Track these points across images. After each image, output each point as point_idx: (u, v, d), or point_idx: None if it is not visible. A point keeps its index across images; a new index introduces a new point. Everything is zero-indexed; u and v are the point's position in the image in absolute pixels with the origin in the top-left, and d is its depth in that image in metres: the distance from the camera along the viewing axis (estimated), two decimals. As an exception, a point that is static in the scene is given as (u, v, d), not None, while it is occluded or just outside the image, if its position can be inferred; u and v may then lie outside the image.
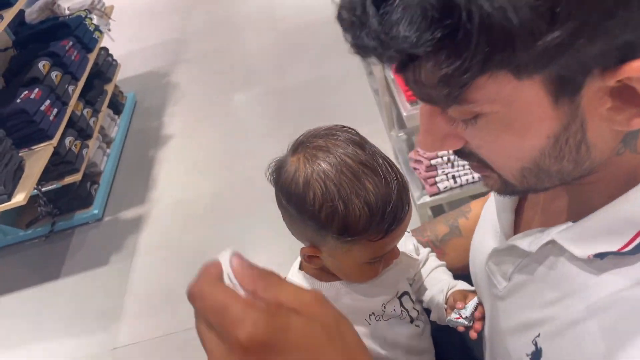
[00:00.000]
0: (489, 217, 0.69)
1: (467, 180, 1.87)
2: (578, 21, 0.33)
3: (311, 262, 0.70)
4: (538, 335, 0.53)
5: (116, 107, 3.19)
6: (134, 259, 2.33)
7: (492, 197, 0.70)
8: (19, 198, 2.04)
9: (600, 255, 0.46)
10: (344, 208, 0.61)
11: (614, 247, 0.45)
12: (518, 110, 0.40)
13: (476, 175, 1.87)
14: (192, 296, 0.43)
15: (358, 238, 0.63)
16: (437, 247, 0.90)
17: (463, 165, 1.87)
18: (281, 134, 2.75)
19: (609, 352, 0.45)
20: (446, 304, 0.81)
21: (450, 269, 0.86)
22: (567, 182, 0.47)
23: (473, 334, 0.74)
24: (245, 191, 2.48)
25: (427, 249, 0.89)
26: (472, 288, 0.81)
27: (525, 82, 0.38)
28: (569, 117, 0.40)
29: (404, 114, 1.81)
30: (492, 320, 0.68)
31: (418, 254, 0.86)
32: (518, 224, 0.62)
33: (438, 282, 0.85)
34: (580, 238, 0.48)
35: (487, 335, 0.72)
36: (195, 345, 1.73)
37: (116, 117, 3.16)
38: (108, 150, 2.92)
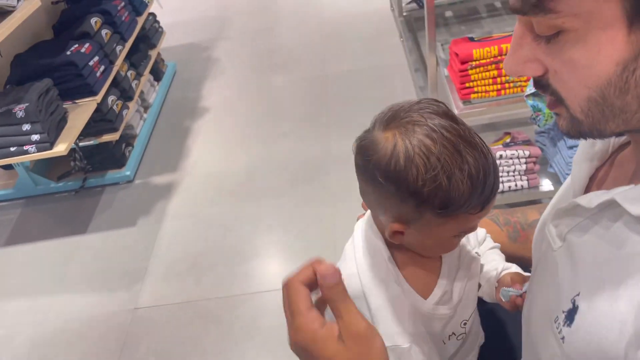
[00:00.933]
0: (561, 192, 0.70)
1: (509, 187, 1.85)
2: None
3: (393, 238, 0.70)
4: (578, 294, 0.53)
5: (157, 73, 3.20)
6: (162, 224, 2.34)
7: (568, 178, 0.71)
8: (60, 148, 2.05)
9: None
10: (448, 183, 0.60)
11: None
12: (595, 29, 0.42)
13: (520, 183, 1.85)
14: (284, 286, 0.60)
15: (459, 212, 0.63)
16: (524, 229, 0.90)
17: (508, 172, 1.85)
18: (317, 121, 2.75)
19: None
20: (497, 282, 0.82)
21: (529, 258, 0.86)
22: (631, 127, 0.48)
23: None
24: (277, 172, 2.48)
25: (484, 230, 0.89)
26: (527, 274, 0.80)
27: (603, 1, 0.40)
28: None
29: (455, 111, 1.79)
30: (534, 285, 0.69)
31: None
32: (589, 189, 0.62)
33: (492, 260, 0.85)
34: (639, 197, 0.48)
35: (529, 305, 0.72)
36: (215, 316, 1.76)
37: (156, 83, 3.17)
38: (145, 115, 2.93)
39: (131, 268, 2.16)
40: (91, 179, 2.58)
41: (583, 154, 0.63)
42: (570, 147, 1.79)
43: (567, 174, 1.78)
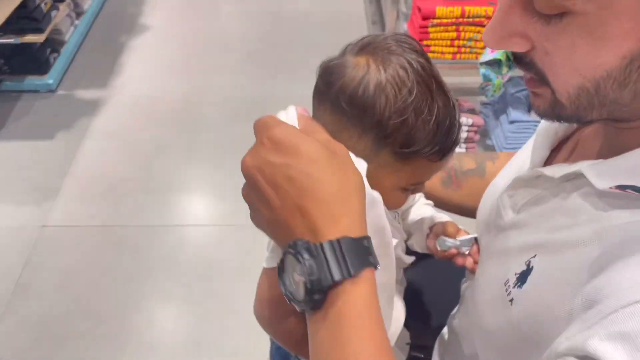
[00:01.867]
0: (516, 161, 0.69)
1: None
2: None
3: None
4: (534, 256, 0.53)
5: (95, -21, 2.92)
6: (83, 141, 2.17)
7: (522, 148, 0.70)
8: (-26, 40, 1.83)
9: (622, 187, 0.46)
10: (415, 120, 0.56)
11: None
12: (609, 17, 0.38)
13: (457, 150, 1.86)
14: (256, 124, 0.52)
15: (419, 155, 0.59)
16: (457, 177, 0.89)
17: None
18: (265, 59, 2.63)
19: (600, 273, 0.44)
20: (430, 230, 0.80)
21: (458, 205, 0.87)
22: (614, 118, 0.46)
23: (463, 261, 0.74)
24: (216, 105, 2.36)
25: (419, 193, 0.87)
26: (462, 228, 0.80)
27: None
28: None
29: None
30: (484, 253, 0.69)
31: None
32: (550, 162, 0.61)
33: (424, 212, 0.84)
34: (606, 172, 0.47)
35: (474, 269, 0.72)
36: (130, 244, 1.66)
37: (93, -11, 2.90)
38: (77, 22, 2.68)
39: (43, 183, 2.00)
40: (7, 82, 2.35)
41: (547, 127, 0.62)
42: (512, 122, 1.82)
43: (505, 148, 1.82)
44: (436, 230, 0.79)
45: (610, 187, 0.46)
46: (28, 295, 1.66)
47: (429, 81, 0.57)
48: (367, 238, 0.47)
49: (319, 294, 0.44)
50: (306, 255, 0.44)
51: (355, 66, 0.58)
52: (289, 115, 0.55)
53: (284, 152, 0.47)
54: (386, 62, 0.57)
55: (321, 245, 0.44)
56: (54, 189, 1.97)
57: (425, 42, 1.74)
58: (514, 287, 0.54)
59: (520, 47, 0.44)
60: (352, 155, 0.53)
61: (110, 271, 1.73)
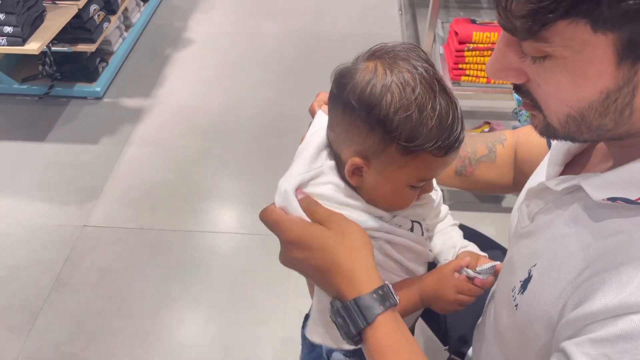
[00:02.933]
0: (537, 174, 0.73)
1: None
2: None
3: (352, 178, 0.69)
4: (534, 265, 0.57)
5: (144, -6, 3.06)
6: (125, 147, 2.27)
7: (543, 161, 0.74)
8: (33, 46, 1.95)
9: (612, 199, 0.50)
10: (418, 115, 0.62)
11: (631, 196, 0.49)
12: (584, 61, 0.44)
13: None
14: (266, 214, 0.68)
15: (423, 150, 0.63)
16: (471, 165, 0.93)
17: (480, 160, 1.87)
18: (300, 77, 2.70)
19: (590, 272, 0.49)
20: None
21: (469, 189, 0.92)
22: (604, 139, 0.52)
23: (482, 284, 0.74)
24: (251, 118, 2.43)
25: (447, 207, 0.88)
26: (484, 254, 0.82)
27: (599, 37, 0.41)
28: (625, 79, 0.43)
29: (443, 91, 1.79)
30: (511, 254, 0.72)
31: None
32: (565, 174, 0.65)
33: (450, 238, 0.85)
34: (601, 185, 0.52)
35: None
36: (164, 247, 1.73)
37: (142, 3, 3.03)
38: (125, 34, 2.81)
39: (86, 185, 2.09)
40: (58, 88, 2.47)
41: (555, 159, 0.65)
42: (544, 148, 1.83)
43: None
44: (458, 261, 0.79)
45: (604, 199, 0.51)
46: (66, 291, 1.74)
47: (431, 82, 0.63)
48: (381, 287, 0.59)
49: (354, 338, 0.59)
50: (337, 316, 0.60)
51: (364, 70, 0.64)
52: (289, 199, 0.67)
53: (301, 248, 0.62)
54: (392, 65, 0.64)
55: (344, 306, 0.59)
56: (96, 191, 2.06)
57: (460, 66, 1.78)
58: (518, 293, 0.58)
59: (516, 79, 0.51)
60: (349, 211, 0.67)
61: (145, 272, 1.79)
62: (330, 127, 0.71)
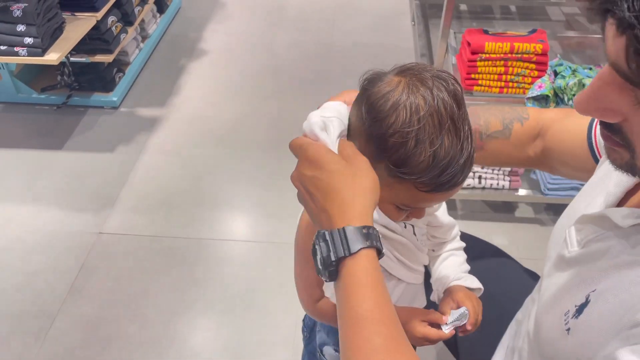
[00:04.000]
0: (598, 187, 0.69)
1: (491, 184, 1.88)
2: None
3: None
4: (594, 290, 0.55)
5: (160, 6, 3.11)
6: (141, 156, 2.30)
7: (595, 177, 0.72)
8: (52, 57, 1.99)
9: None
10: (413, 146, 0.61)
11: None
12: None
13: (502, 183, 1.87)
14: (291, 143, 0.66)
15: (408, 179, 0.63)
16: (482, 139, 0.90)
17: (492, 170, 1.87)
18: (314, 87, 2.73)
19: None
20: (444, 291, 0.86)
21: (479, 162, 0.89)
22: None
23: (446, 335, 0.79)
24: (265, 128, 2.45)
25: (457, 230, 0.89)
26: (477, 285, 0.84)
27: None
28: None
29: (456, 100, 1.80)
30: (547, 282, 0.70)
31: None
32: (624, 203, 0.63)
33: (448, 267, 0.87)
34: None
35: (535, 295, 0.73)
36: (179, 255, 1.74)
37: (158, 15, 3.08)
38: (142, 45, 2.86)
39: (102, 193, 2.13)
40: (76, 97, 2.52)
41: (618, 180, 0.63)
42: (557, 158, 1.82)
43: (550, 184, 1.82)
44: (450, 291, 0.85)
45: None
46: (82, 297, 1.76)
47: (444, 119, 0.61)
48: (370, 227, 0.58)
49: (331, 267, 0.58)
50: (321, 241, 0.59)
51: (387, 82, 0.65)
52: (331, 136, 0.66)
53: (314, 167, 0.62)
54: (413, 88, 0.63)
55: (330, 232, 0.59)
56: (112, 199, 2.10)
57: (473, 76, 1.79)
58: (572, 317, 0.57)
59: (611, 119, 0.48)
60: None
61: (159, 279, 1.81)
62: (349, 117, 0.72)
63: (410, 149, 0.61)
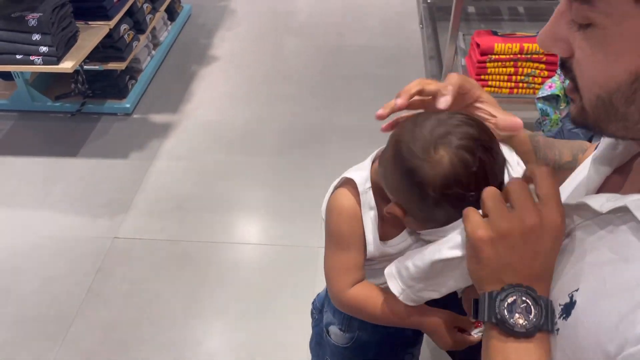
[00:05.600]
0: (579, 173, 0.70)
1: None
2: None
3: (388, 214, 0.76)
4: (577, 290, 0.54)
5: (171, 13, 3.16)
6: (154, 161, 2.33)
7: (581, 166, 0.71)
8: (67, 65, 2.03)
9: None
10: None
11: None
12: (621, 34, 0.43)
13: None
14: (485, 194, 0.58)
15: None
16: (555, 169, 0.88)
17: (504, 170, 1.87)
18: (324, 90, 2.74)
19: None
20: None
21: None
22: (632, 136, 0.50)
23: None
24: (276, 132, 2.47)
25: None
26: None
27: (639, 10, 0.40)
28: None
29: (466, 102, 1.81)
30: None
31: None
32: (604, 188, 0.62)
33: None
34: None
35: None
36: (193, 259, 1.77)
37: (169, 22, 3.12)
38: (153, 52, 2.90)
39: (116, 198, 2.16)
40: (90, 105, 2.56)
41: (603, 155, 0.63)
42: (569, 157, 1.82)
43: (561, 183, 1.82)
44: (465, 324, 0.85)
45: None
46: (98, 301, 1.79)
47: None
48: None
49: (533, 332, 0.55)
50: (523, 295, 0.55)
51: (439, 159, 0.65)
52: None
53: (533, 240, 0.55)
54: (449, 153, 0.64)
55: (545, 300, 0.56)
56: (126, 204, 2.13)
57: (482, 77, 1.79)
58: (559, 317, 0.55)
59: (563, 52, 0.50)
60: None
61: (174, 283, 1.83)
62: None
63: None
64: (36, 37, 1.98)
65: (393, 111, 0.73)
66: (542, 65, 1.76)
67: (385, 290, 0.80)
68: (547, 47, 0.51)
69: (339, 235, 0.81)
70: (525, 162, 0.86)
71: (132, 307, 1.77)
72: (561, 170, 0.88)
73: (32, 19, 1.96)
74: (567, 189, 0.70)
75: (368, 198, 0.79)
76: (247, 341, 1.66)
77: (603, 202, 0.54)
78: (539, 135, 0.92)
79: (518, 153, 0.83)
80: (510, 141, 0.85)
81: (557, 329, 0.56)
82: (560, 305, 0.56)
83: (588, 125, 0.52)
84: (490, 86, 1.80)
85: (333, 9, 3.49)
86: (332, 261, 0.83)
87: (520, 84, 1.78)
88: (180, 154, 2.38)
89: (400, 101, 0.73)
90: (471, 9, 3.31)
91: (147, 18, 2.68)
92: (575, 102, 0.52)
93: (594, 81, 0.47)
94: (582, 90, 0.50)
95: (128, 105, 2.57)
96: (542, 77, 1.75)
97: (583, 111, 0.51)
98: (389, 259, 0.79)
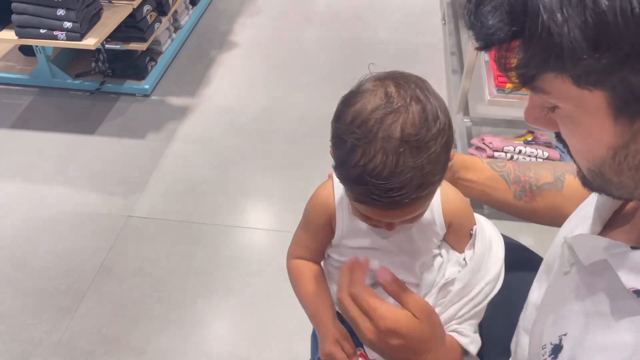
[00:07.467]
0: (583, 209, 0.68)
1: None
2: (621, 52, 0.36)
3: None
4: (565, 334, 0.54)
5: (193, -3, 3.16)
6: (171, 143, 2.34)
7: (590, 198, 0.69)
8: (90, 42, 2.04)
9: (638, 293, 0.46)
10: (349, 150, 0.63)
11: None
12: (584, 114, 0.43)
13: (530, 181, 1.86)
14: (345, 297, 0.69)
15: (341, 180, 0.67)
16: (532, 190, 0.88)
17: (521, 168, 1.86)
18: (342, 81, 2.72)
19: None
20: None
21: (531, 214, 0.89)
22: (637, 198, 0.48)
23: None
24: (292, 120, 2.47)
25: (455, 271, 0.82)
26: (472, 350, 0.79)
27: (586, 92, 0.40)
28: (629, 136, 0.41)
29: (487, 97, 1.80)
30: (551, 294, 0.67)
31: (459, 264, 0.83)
32: (611, 225, 0.60)
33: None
34: (631, 266, 0.47)
35: (533, 307, 0.70)
36: (206, 241, 1.78)
37: (190, 7, 3.13)
38: (174, 35, 2.91)
39: (132, 178, 2.17)
40: (109, 84, 2.57)
41: (603, 202, 0.61)
42: (588, 158, 1.80)
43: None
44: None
45: (630, 288, 0.46)
46: (110, 277, 1.80)
47: (397, 136, 0.59)
48: None
49: None
50: None
51: (369, 85, 0.67)
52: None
53: (398, 337, 0.66)
54: (389, 93, 0.63)
55: None
56: (141, 184, 2.14)
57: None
58: (549, 356, 0.55)
59: (548, 128, 0.50)
60: None
61: (185, 263, 1.84)
62: None
63: (344, 152, 0.63)
64: (61, 12, 1.99)
65: None
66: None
67: (317, 283, 0.86)
68: (534, 125, 0.52)
69: (306, 216, 0.87)
70: (494, 190, 0.90)
71: (143, 285, 1.78)
72: (541, 191, 0.88)
73: (58, -6, 1.97)
74: (574, 220, 0.68)
75: (342, 190, 0.81)
76: (256, 325, 1.66)
77: (588, 252, 0.54)
78: (505, 161, 0.93)
79: (478, 184, 0.89)
80: (466, 170, 0.88)
81: None
82: (551, 344, 0.56)
83: (595, 190, 0.51)
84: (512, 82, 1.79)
85: (354, 1, 3.47)
86: (296, 231, 0.90)
87: (543, 82, 1.77)
88: (196, 137, 2.39)
89: None
90: (494, 8, 3.27)
91: (170, 0, 2.68)
92: (578, 168, 0.51)
93: (580, 155, 0.48)
94: (577, 162, 0.50)
95: (147, 87, 2.58)
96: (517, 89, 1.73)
97: (585, 179, 0.50)
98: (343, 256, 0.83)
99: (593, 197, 0.68)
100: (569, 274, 0.59)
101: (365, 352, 0.81)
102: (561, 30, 0.36)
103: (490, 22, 0.41)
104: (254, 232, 1.98)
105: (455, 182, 0.87)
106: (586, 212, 0.68)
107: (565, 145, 0.50)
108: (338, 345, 0.80)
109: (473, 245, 0.81)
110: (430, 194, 0.65)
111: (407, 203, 0.62)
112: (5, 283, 1.78)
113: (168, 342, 1.62)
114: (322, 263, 0.90)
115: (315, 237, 0.86)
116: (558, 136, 0.51)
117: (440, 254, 0.83)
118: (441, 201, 0.79)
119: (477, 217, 0.84)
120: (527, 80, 0.43)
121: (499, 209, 0.93)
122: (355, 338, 0.84)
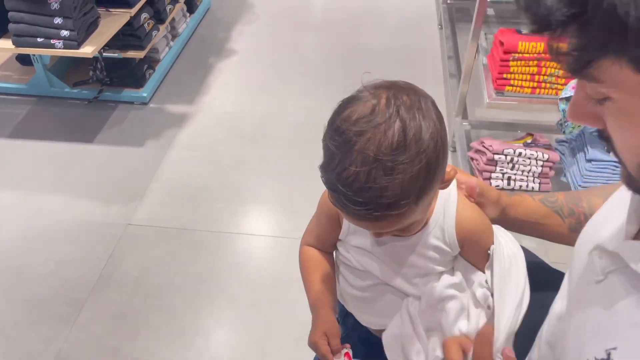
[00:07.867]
0: (619, 204, 0.64)
1: (520, 186, 1.86)
2: None
3: None
4: (615, 348, 0.51)
5: (190, 5, 3.16)
6: (169, 150, 2.33)
7: (614, 197, 0.68)
8: (87, 50, 2.03)
9: None
10: (335, 152, 0.63)
11: None
12: (638, 104, 0.41)
13: (532, 185, 1.85)
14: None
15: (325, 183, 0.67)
16: (587, 219, 0.82)
17: (522, 172, 1.85)
18: (339, 87, 2.70)
19: None
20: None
21: None
22: None
23: None
24: (290, 126, 2.47)
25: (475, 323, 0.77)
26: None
27: None
28: None
29: (487, 100, 1.79)
30: (580, 305, 0.63)
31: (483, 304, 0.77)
32: None
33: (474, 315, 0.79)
34: None
35: (557, 318, 0.68)
36: (204, 248, 1.77)
37: (188, 15, 3.13)
38: (171, 43, 2.90)
39: (131, 186, 2.16)
40: (107, 92, 2.56)
41: (637, 204, 0.58)
42: (589, 161, 1.80)
43: (580, 186, 1.79)
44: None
45: None
46: (109, 286, 1.79)
47: (379, 142, 0.60)
48: None
49: None
50: None
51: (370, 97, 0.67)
52: None
53: None
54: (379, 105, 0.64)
55: None
56: (140, 192, 2.12)
57: (505, 75, 1.78)
58: None
59: (594, 125, 0.48)
60: None
61: (185, 271, 1.83)
62: None
63: (328, 154, 0.63)
64: (58, 20, 1.99)
65: None
66: (566, 66, 1.74)
67: (323, 273, 0.87)
68: (577, 122, 0.50)
69: (320, 207, 0.87)
70: (549, 226, 0.86)
71: (142, 294, 1.76)
72: None
73: (55, 2, 1.97)
74: (608, 227, 0.63)
75: None
76: (259, 333, 1.65)
77: (636, 257, 0.51)
78: (556, 194, 0.90)
79: (531, 223, 0.85)
80: (517, 211, 0.85)
81: None
82: (595, 358, 0.53)
83: (637, 191, 0.50)
84: (512, 85, 1.79)
85: (352, 6, 3.48)
86: (311, 219, 0.92)
87: (543, 84, 1.76)
88: (195, 144, 2.38)
89: None
90: (490, 12, 3.28)
91: (167, 9, 2.68)
92: (622, 168, 0.49)
93: (630, 151, 0.45)
94: (623, 159, 0.47)
95: (145, 95, 2.57)
96: (566, 77, 1.73)
97: (630, 177, 0.48)
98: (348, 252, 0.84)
99: (609, 203, 0.68)
100: (603, 282, 0.56)
101: (351, 354, 0.80)
102: (628, 8, 0.35)
103: (549, 3, 0.39)
104: (254, 239, 1.96)
105: (505, 220, 0.84)
106: (604, 216, 0.66)
107: (609, 142, 0.48)
108: (325, 339, 0.79)
109: (491, 266, 0.77)
110: (405, 215, 0.63)
111: (376, 217, 0.61)
112: (3, 293, 1.76)
113: (169, 352, 1.60)
114: (334, 253, 0.91)
115: (325, 228, 0.86)
116: (600, 133, 0.49)
117: (451, 272, 0.80)
118: (456, 220, 0.76)
119: (496, 232, 0.79)
120: (581, 66, 0.41)
121: (552, 241, 0.90)
122: (344, 337, 0.84)
